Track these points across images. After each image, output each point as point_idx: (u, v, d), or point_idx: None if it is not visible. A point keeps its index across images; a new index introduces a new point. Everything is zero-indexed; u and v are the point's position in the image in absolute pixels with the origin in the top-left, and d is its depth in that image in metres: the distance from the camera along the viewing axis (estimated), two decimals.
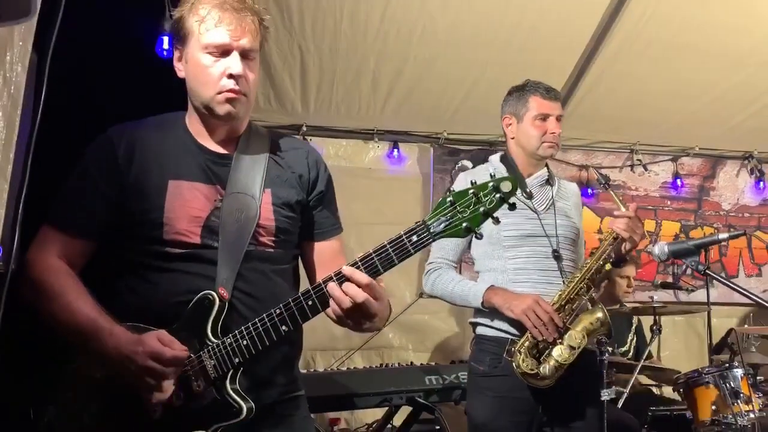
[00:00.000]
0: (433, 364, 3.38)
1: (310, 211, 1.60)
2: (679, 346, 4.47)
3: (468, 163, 4.32)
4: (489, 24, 3.59)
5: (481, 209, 1.26)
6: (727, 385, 2.97)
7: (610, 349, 3.25)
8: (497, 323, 2.25)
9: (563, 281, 2.26)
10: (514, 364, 2.12)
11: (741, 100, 4.17)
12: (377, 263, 1.31)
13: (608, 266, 2.25)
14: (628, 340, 3.86)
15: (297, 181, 1.57)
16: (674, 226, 4.68)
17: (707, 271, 1.68)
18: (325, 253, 1.62)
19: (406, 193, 4.33)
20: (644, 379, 3.73)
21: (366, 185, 4.26)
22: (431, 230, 1.27)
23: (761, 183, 4.68)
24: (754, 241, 4.75)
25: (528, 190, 2.32)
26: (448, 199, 1.28)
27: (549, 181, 2.42)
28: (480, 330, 2.33)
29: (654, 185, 4.66)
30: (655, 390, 3.92)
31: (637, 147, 4.57)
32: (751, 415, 2.89)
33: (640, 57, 3.81)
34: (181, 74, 1.52)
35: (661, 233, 4.64)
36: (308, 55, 3.65)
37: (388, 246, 1.30)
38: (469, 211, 1.26)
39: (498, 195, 1.26)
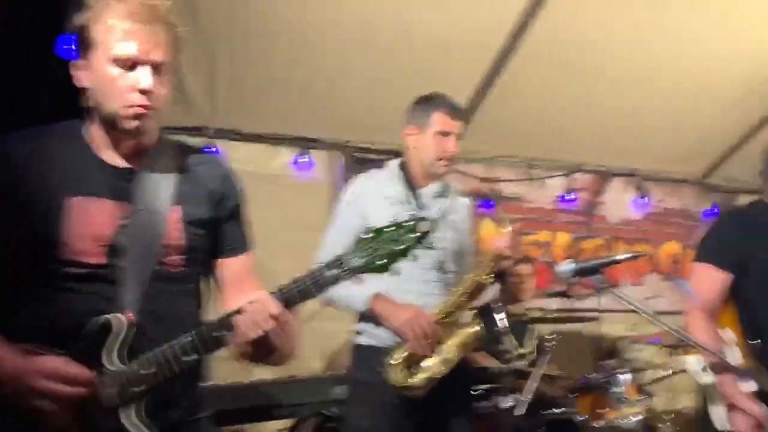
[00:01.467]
0: (338, 373, 3.37)
1: (221, 227, 1.55)
2: (569, 351, 4.72)
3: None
4: (400, 35, 3.64)
5: (400, 247, 1.30)
6: (614, 390, 3.20)
7: (512, 354, 3.41)
8: (379, 332, 2.27)
9: (445, 294, 2.32)
10: (388, 374, 2.17)
11: (628, 122, 4.47)
12: (295, 294, 1.32)
13: (488, 281, 2.36)
14: (529, 343, 4.04)
15: (208, 196, 1.52)
16: (566, 238, 4.95)
17: (608, 289, 1.79)
18: (236, 270, 1.58)
19: (315, 200, 4.30)
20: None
21: (273, 191, 4.18)
22: (350, 265, 1.30)
23: (644, 198, 5.05)
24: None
25: (421, 202, 2.38)
26: (368, 236, 1.31)
27: (443, 194, 2.46)
28: (360, 339, 2.35)
29: (549, 198, 4.91)
30: (546, 394, 4.12)
31: (534, 162, 4.79)
32: (635, 418, 3.12)
33: (540, 77, 4.02)
34: (81, 83, 1.42)
35: (554, 244, 4.90)
36: (217, 56, 3.55)
37: (306, 278, 1.31)
38: (387, 249, 1.30)
39: (414, 235, 1.31)
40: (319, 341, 4.18)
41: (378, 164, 4.34)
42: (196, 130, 3.89)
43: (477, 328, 2.27)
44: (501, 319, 3.15)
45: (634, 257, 1.91)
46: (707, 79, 4.18)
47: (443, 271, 2.35)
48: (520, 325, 3.91)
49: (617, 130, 4.56)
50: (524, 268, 4.05)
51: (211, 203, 1.52)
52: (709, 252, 2.26)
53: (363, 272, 1.31)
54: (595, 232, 5.00)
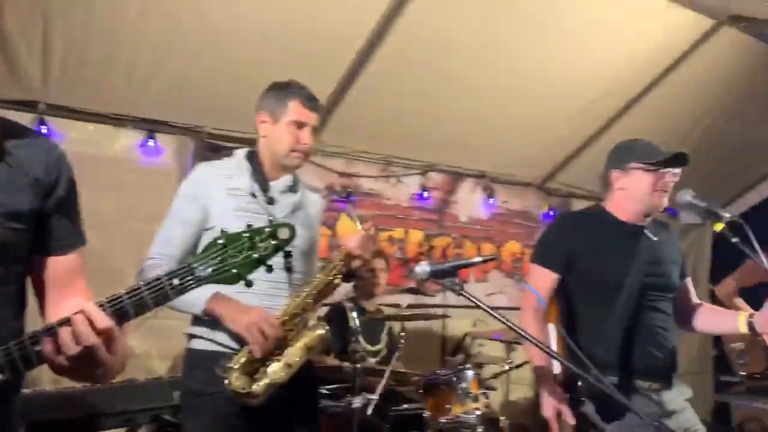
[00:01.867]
0: (179, 374, 3.16)
1: (46, 220, 1.35)
2: (417, 347, 4.85)
3: None
4: (261, 23, 3.50)
5: (255, 255, 1.19)
6: (460, 385, 3.30)
7: (364, 352, 3.41)
8: (217, 335, 2.10)
9: (292, 295, 2.19)
10: (226, 381, 2.01)
11: (479, 125, 4.65)
12: (128, 307, 1.15)
13: (338, 281, 2.26)
14: (382, 339, 4.08)
15: (31, 185, 1.31)
16: (419, 235, 5.07)
17: (462, 292, 1.81)
18: (61, 270, 1.38)
19: (162, 188, 3.97)
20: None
21: (114, 177, 3.84)
22: (196, 274, 1.17)
23: (490, 200, 5.30)
24: (482, 250, 5.36)
25: (270, 196, 2.23)
26: (219, 242, 1.18)
27: (293, 189, 2.32)
28: (195, 343, 2.16)
29: (404, 196, 4.99)
30: (396, 390, 4.19)
31: (392, 159, 4.85)
32: (479, 412, 3.25)
33: (400, 77, 4.06)
34: None
35: (408, 240, 5.00)
36: (53, 25, 3.18)
37: (143, 288, 1.15)
38: (241, 257, 1.18)
39: (273, 242, 1.20)
40: (159, 341, 3.92)
41: (230, 154, 4.20)
42: (26, 105, 3.48)
43: (322, 331, 2.15)
44: (353, 317, 3.14)
45: (488, 260, 1.95)
46: (550, 92, 4.45)
47: (291, 270, 2.20)
48: (372, 323, 3.94)
49: (469, 133, 4.74)
50: (378, 263, 4.08)
51: (34, 193, 1.31)
52: (541, 253, 2.41)
53: (212, 282, 1.18)
54: (446, 230, 5.18)
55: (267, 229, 1.21)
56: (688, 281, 2.56)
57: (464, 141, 4.83)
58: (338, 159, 4.65)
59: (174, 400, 2.82)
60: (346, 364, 3.12)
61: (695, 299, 2.58)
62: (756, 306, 2.32)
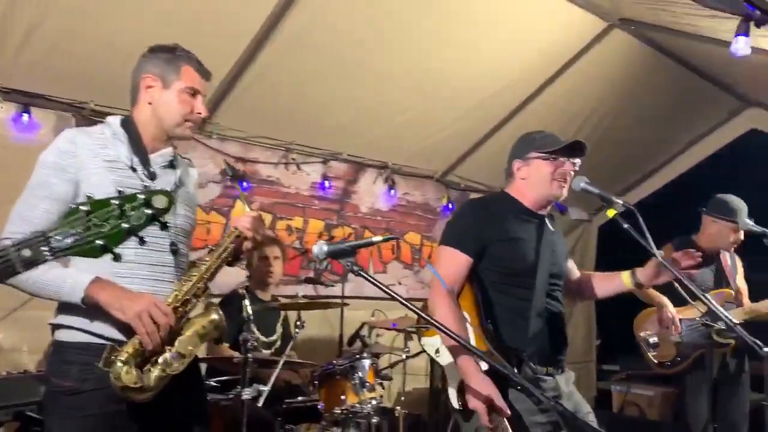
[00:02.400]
0: None
1: None
2: (314, 338, 4.75)
3: None
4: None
5: (125, 225, 1.05)
6: (356, 375, 3.24)
7: (255, 342, 3.27)
8: (96, 326, 1.87)
9: (176, 279, 2.01)
10: (112, 375, 1.78)
11: (381, 116, 4.63)
12: None
13: (226, 263, 2.10)
14: (278, 330, 3.95)
15: None
16: (319, 224, 4.97)
17: (360, 272, 1.74)
18: None
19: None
20: (282, 373, 3.82)
21: None
22: (52, 245, 1.01)
23: (392, 191, 5.29)
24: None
25: (151, 170, 2.00)
26: (83, 208, 1.03)
27: (173, 164, 2.09)
28: (63, 335, 1.91)
29: (305, 184, 4.87)
30: (291, 382, 4.08)
31: (293, 146, 4.71)
32: (374, 402, 3.20)
33: (302, 61, 3.94)
34: None
35: (308, 230, 4.88)
36: None
37: None
38: (108, 226, 1.04)
39: (148, 211, 1.07)
40: (28, 333, 3.59)
41: None
42: None
43: (215, 316, 2.00)
44: (245, 306, 3.00)
45: (388, 239, 1.89)
46: (450, 86, 4.50)
47: (177, 253, 2.02)
48: (267, 312, 3.81)
49: (373, 124, 4.70)
50: (273, 251, 3.95)
51: None
52: (453, 236, 2.36)
53: (72, 254, 1.03)
54: (346, 221, 5.10)
55: (140, 197, 1.07)
56: (571, 262, 2.64)
57: (367, 131, 4.79)
58: (234, 143, 4.46)
59: (40, 395, 2.55)
60: (236, 354, 2.97)
61: (577, 273, 2.68)
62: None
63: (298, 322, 3.37)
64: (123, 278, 1.89)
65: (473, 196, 5.60)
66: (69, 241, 1.02)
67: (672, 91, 5.04)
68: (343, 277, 4.57)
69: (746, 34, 2.46)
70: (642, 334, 3.83)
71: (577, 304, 6.54)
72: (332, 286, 4.53)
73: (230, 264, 2.15)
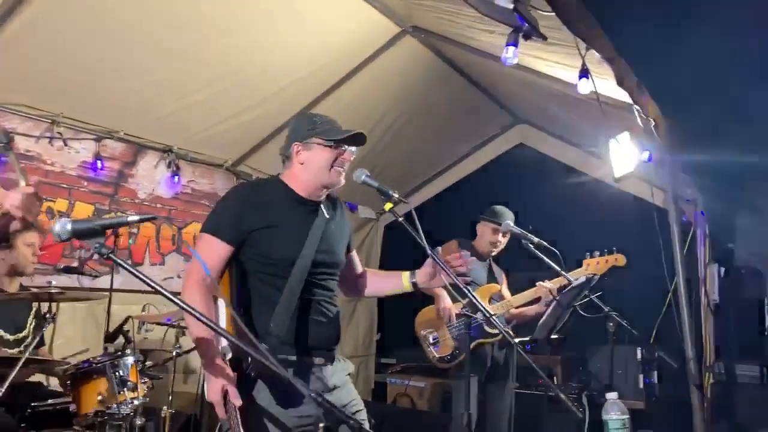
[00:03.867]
0: None
1: None
2: (74, 335, 4.25)
3: None
4: None
5: None
6: (117, 373, 2.94)
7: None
8: None
9: None
10: None
11: (167, 95, 4.31)
12: None
13: None
14: (29, 325, 3.46)
15: None
16: (88, 209, 4.47)
17: (110, 255, 1.53)
18: None
19: None
20: (29, 372, 3.36)
21: None
22: None
23: (176, 177, 4.94)
24: (162, 231, 4.98)
25: None
26: None
27: None
28: None
29: (73, 163, 4.35)
30: (43, 383, 3.60)
31: (60, 119, 4.17)
32: (135, 402, 2.92)
33: (73, 22, 3.50)
34: None
35: (73, 214, 4.36)
36: None
37: None
38: None
39: None
40: None
41: None
42: None
43: None
44: None
45: (146, 220, 1.69)
46: (246, 73, 4.33)
47: None
48: (15, 307, 3.32)
49: (158, 102, 4.35)
50: (29, 236, 3.46)
51: None
52: (213, 223, 2.26)
53: None
54: (120, 206, 4.66)
55: None
56: (354, 254, 2.65)
57: (149, 110, 4.42)
58: None
59: None
60: None
61: (360, 268, 2.68)
62: None
63: (48, 315, 2.96)
64: None
65: None
66: None
67: (456, 102, 5.38)
68: (112, 267, 4.14)
69: (515, 44, 2.67)
70: (423, 332, 4.02)
71: (360, 299, 6.74)
72: (98, 276, 4.09)
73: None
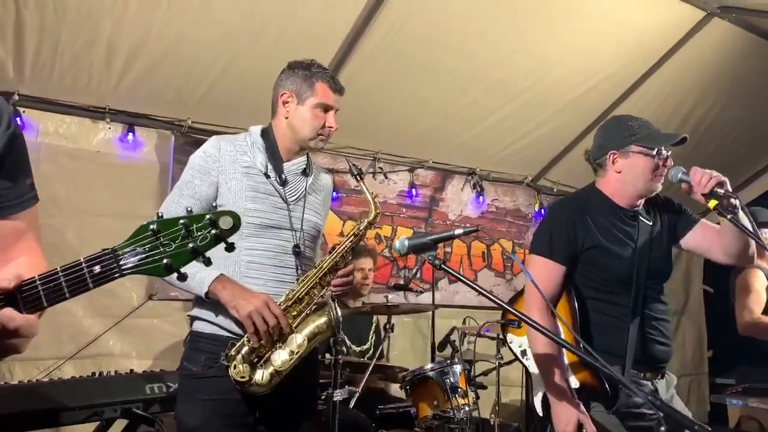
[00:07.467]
0: (157, 371, 3.03)
1: None
2: (406, 346, 4.73)
3: None
4: (243, 11, 3.42)
5: (190, 245, 1.07)
6: (447, 381, 3.19)
7: (346, 348, 3.29)
8: (220, 319, 2.00)
9: (298, 280, 2.09)
10: (230, 369, 1.93)
11: (467, 121, 4.58)
12: (41, 295, 1.06)
13: (341, 265, 2.16)
14: (370, 339, 3.97)
15: None
16: (407, 233, 4.97)
17: (443, 265, 1.71)
18: (8, 233, 1.27)
19: (141, 182, 3.91)
20: (374, 378, 3.83)
21: (92, 170, 3.74)
22: (120, 263, 1.05)
23: (480, 197, 5.21)
24: (472, 248, 5.26)
25: (284, 176, 2.13)
26: (151, 227, 1.06)
27: (306, 171, 2.21)
28: (197, 326, 2.07)
29: (392, 193, 4.90)
30: (384, 388, 4.07)
31: (379, 155, 4.75)
32: (467, 408, 3.13)
33: (385, 69, 3.97)
34: None
35: (396, 238, 4.89)
36: (26, 10, 3.09)
37: (60, 274, 1.05)
38: (174, 246, 1.06)
39: (214, 231, 1.08)
40: (139, 341, 3.81)
41: None
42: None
43: (326, 318, 2.05)
44: (334, 307, 3.02)
45: (470, 232, 1.84)
46: (538, 87, 4.38)
47: (298, 255, 2.11)
48: (358, 321, 3.83)
49: (458, 129, 4.66)
50: (360, 262, 3.97)
51: None
52: (544, 244, 2.24)
53: (138, 272, 1.07)
54: (435, 228, 5.07)
55: (207, 217, 1.08)
56: (702, 221, 2.33)
57: (452, 137, 4.76)
58: (323, 154, 4.53)
59: (146, 393, 2.68)
60: (327, 355, 2.99)
61: (715, 229, 2.29)
62: None
63: (387, 326, 3.36)
64: (249, 278, 2.03)
65: None
66: (135, 260, 1.06)
67: None
68: (433, 285, 4.53)
69: None
70: None
71: (684, 312, 6.18)
72: (422, 292, 4.51)
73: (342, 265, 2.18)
